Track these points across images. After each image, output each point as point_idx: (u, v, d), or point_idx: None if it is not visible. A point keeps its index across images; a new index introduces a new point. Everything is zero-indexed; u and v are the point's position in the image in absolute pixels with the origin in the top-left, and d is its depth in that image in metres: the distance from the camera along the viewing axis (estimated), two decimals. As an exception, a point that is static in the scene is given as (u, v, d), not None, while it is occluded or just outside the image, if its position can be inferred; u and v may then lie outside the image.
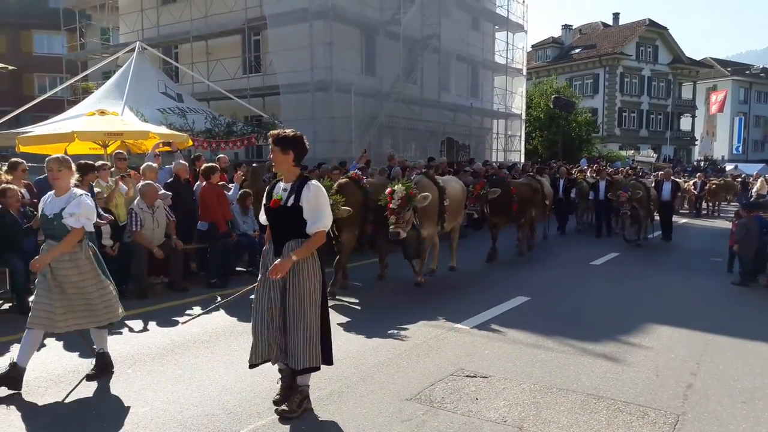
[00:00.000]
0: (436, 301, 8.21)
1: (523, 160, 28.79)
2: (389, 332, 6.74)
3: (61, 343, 6.23)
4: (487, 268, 10.97)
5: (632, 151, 42.38)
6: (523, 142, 31.76)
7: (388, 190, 8.21)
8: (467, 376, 5.30)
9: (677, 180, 17.76)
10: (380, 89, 21.47)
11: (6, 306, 7.68)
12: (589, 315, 7.64)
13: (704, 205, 24.57)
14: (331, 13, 19.47)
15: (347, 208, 7.61)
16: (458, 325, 6.93)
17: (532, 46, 50.67)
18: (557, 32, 56.68)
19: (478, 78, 28.66)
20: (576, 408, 4.65)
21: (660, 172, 21.78)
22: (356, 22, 21.12)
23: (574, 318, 7.45)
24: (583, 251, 12.96)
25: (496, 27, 30.00)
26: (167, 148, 11.85)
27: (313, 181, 4.43)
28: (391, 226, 8.01)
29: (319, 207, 4.30)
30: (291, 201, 4.32)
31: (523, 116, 31.72)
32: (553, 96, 32.83)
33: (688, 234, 17.15)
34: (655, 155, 42.22)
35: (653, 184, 15.58)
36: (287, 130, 4.57)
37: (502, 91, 29.56)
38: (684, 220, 21.12)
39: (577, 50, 51.31)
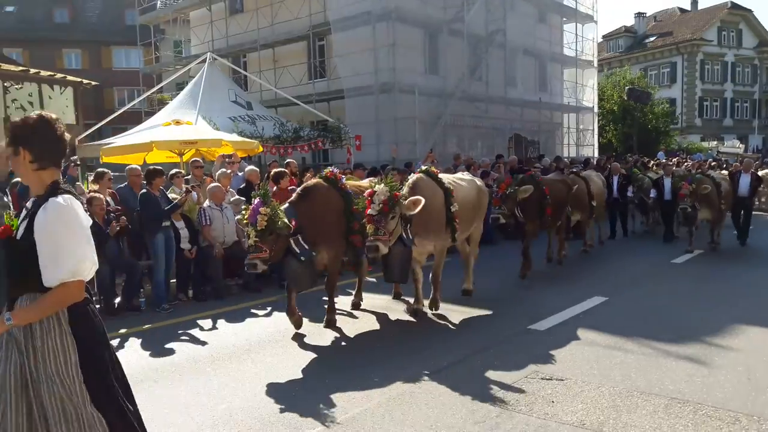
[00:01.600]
0: (508, 302, 8.03)
1: (596, 155, 27.87)
2: (461, 332, 6.66)
3: (140, 341, 6.48)
4: (561, 267, 10.65)
5: (715, 142, 40.24)
6: (596, 136, 30.73)
7: (368, 191, 6.54)
8: (542, 378, 5.14)
9: (757, 173, 14.91)
10: (444, 88, 21.29)
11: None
12: (671, 315, 7.25)
13: None
14: (393, 15, 19.47)
15: (286, 221, 6.16)
16: (532, 327, 6.74)
17: (603, 37, 49.04)
18: (630, 21, 54.71)
19: (546, 72, 27.94)
20: (659, 412, 4.41)
21: (735, 162, 20.37)
22: (419, 22, 21.03)
23: (655, 318, 7.10)
24: (663, 249, 12.36)
25: (564, 19, 29.16)
26: (240, 154, 12.19)
27: (60, 198, 2.63)
28: (369, 239, 6.33)
29: (58, 243, 2.57)
30: (21, 230, 2.68)
31: (596, 109, 30.70)
32: (626, 87, 31.65)
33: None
34: (742, 146, 39.91)
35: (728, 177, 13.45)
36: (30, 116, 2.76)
37: (572, 84, 28.70)
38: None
39: (651, 38, 49.23)
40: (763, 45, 48.85)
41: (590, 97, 30.05)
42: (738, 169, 13.83)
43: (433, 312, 7.39)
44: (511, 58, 23.99)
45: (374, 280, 8.69)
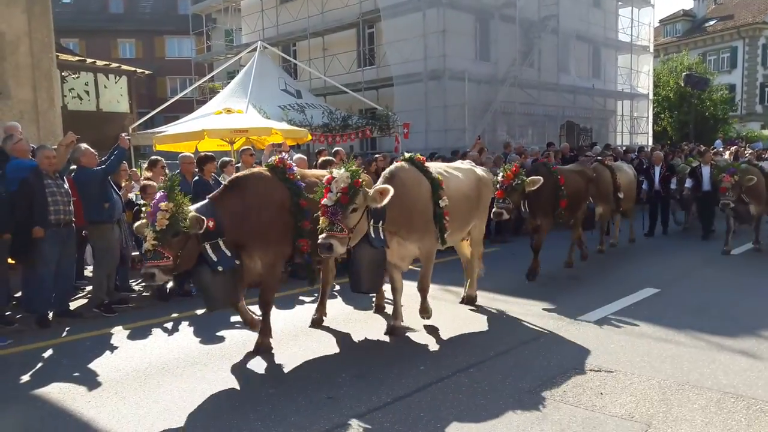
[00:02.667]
0: (557, 293, 7.96)
1: (651, 143, 27.10)
2: (508, 322, 6.65)
3: (193, 328, 6.70)
4: (611, 258, 10.48)
5: (777, 130, 38.60)
6: (650, 124, 29.86)
7: (327, 177, 5.32)
8: (591, 370, 5.10)
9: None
10: (495, 75, 21.04)
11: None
12: (725, 308, 7.07)
13: None
14: (444, 1, 19.33)
15: (195, 215, 5.00)
16: (582, 318, 6.67)
17: (660, 21, 47.41)
18: (688, 4, 52.73)
19: (600, 57, 27.24)
20: (711, 407, 4.34)
21: (750, 151, 19.02)
22: (470, 7, 20.81)
23: (708, 311, 6.93)
24: (720, 240, 12.01)
25: (620, 3, 28.34)
26: (289, 142, 12.35)
27: None
28: (322, 235, 5.13)
29: None
30: None
31: (651, 96, 29.80)
32: (684, 73, 30.58)
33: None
34: (806, 134, 38.16)
35: None
36: None
37: (627, 71, 27.91)
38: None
39: (711, 22, 47.35)
40: (831, 27, 46.36)
41: (645, 84, 29.19)
42: None
43: (424, 321, 6.48)
44: (564, 43, 23.49)
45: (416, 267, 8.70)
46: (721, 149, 21.78)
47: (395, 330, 6.17)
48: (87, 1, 40.48)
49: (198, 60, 29.68)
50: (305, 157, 10.92)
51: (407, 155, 6.39)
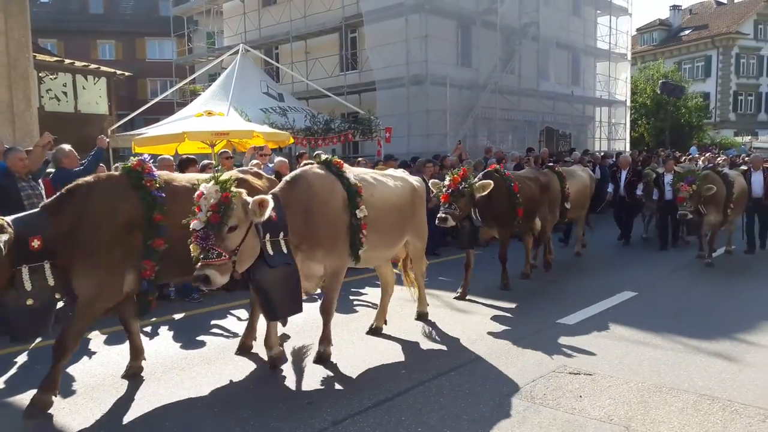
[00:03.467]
0: (537, 296, 8.03)
1: (628, 149, 27.47)
2: (489, 326, 6.68)
3: (172, 333, 6.63)
4: (591, 262, 10.59)
5: (749, 138, 39.34)
6: (628, 130, 30.30)
7: (197, 192, 4.50)
8: (570, 372, 5.15)
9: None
10: (476, 80, 21.18)
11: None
12: (701, 311, 7.19)
13: None
14: (426, 6, 19.41)
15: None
16: (561, 321, 6.74)
17: (637, 30, 48.13)
18: (664, 13, 53.68)
19: (579, 65, 27.58)
20: (688, 408, 4.41)
21: (742, 154, 19.15)
22: (452, 13, 20.93)
23: (685, 314, 7.04)
24: (696, 245, 12.21)
25: (598, 11, 28.74)
26: (270, 146, 12.31)
27: None
28: (197, 265, 4.38)
29: None
30: None
31: (628, 103, 30.27)
32: (660, 81, 31.08)
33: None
34: (776, 141, 38.96)
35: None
36: None
37: (605, 78, 28.32)
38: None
39: (686, 31, 48.20)
40: (802, 38, 47.45)
41: (623, 91, 29.65)
42: (749, 167, 11.72)
43: (315, 360, 5.46)
44: (544, 50, 23.74)
45: (399, 271, 8.69)
46: (696, 155, 22.16)
47: (276, 360, 5.34)
48: (66, 2, 39.97)
49: (179, 62, 29.44)
50: (287, 161, 10.89)
51: (323, 157, 5.65)
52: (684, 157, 20.40)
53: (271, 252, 4.73)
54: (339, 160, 5.69)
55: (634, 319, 6.72)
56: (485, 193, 7.24)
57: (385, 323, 6.48)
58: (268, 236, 4.72)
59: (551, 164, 10.33)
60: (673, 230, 11.83)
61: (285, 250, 4.82)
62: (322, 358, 5.40)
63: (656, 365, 5.31)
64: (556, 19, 24.22)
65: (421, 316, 6.95)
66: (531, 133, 23.57)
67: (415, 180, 6.79)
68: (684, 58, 46.68)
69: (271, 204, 4.51)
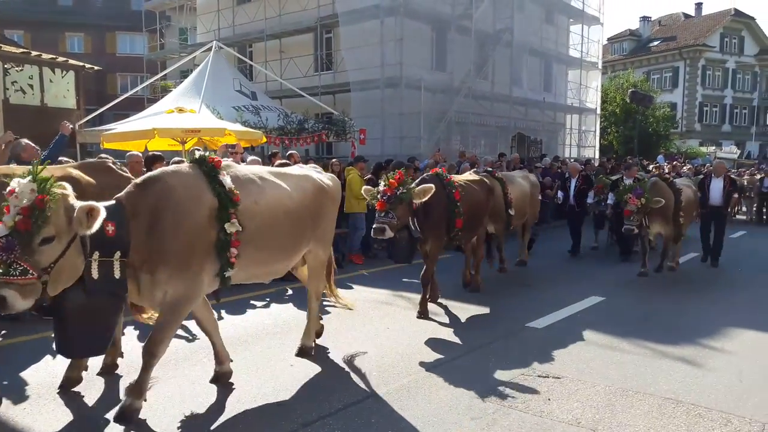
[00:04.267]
0: (507, 299, 8.10)
1: (597, 156, 27.94)
2: (459, 329, 6.71)
3: (138, 333, 6.52)
4: (560, 267, 10.73)
5: (713, 148, 40.36)
6: (597, 138, 30.80)
7: (10, 188, 3.60)
8: (539, 376, 5.21)
9: (734, 176, 13.05)
10: (450, 85, 21.31)
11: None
12: (666, 317, 7.34)
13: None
14: (402, 9, 19.47)
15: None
16: (530, 324, 6.81)
17: (608, 39, 48.99)
18: (634, 24, 54.75)
19: (552, 72, 27.96)
20: (653, 412, 4.49)
21: (706, 164, 19.67)
22: (427, 17, 21.03)
23: (651, 320, 7.19)
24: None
25: (571, 20, 29.18)
26: (243, 144, 12.20)
27: None
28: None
29: None
30: None
31: (598, 111, 30.76)
32: (629, 90, 31.68)
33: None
34: (738, 151, 40.05)
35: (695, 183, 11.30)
36: None
37: (576, 86, 28.76)
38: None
39: (655, 42, 49.27)
40: (764, 53, 48.89)
41: (593, 99, 30.13)
42: (709, 174, 11.33)
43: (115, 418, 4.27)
44: (517, 57, 23.99)
45: (366, 273, 8.72)
46: (663, 164, 22.62)
47: (126, 413, 4.21)
48: (34, -8, 39.06)
49: (150, 57, 29.00)
50: (260, 159, 10.80)
51: (197, 154, 4.62)
52: (651, 166, 20.81)
53: (95, 275, 3.79)
54: (217, 158, 4.64)
55: (601, 324, 6.82)
56: (425, 198, 6.57)
57: (311, 347, 5.73)
58: (96, 254, 3.79)
59: (490, 169, 9.46)
60: (624, 241, 11.22)
61: (117, 275, 3.89)
62: (124, 416, 4.17)
63: (623, 369, 5.40)
64: (530, 27, 24.51)
65: (303, 352, 5.60)
66: (503, 139, 23.81)
67: (326, 178, 5.82)
68: (653, 68, 47.70)
69: (103, 213, 3.65)
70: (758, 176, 20.10)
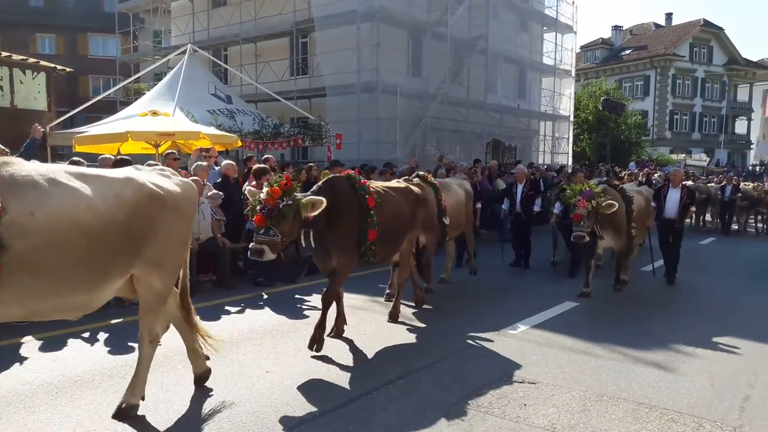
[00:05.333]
0: (482, 305, 8.14)
1: (570, 163, 28.29)
2: (435, 335, 6.72)
3: (106, 337, 6.41)
4: (534, 273, 10.81)
5: (683, 155, 41.18)
6: (570, 145, 31.23)
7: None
8: (515, 381, 5.23)
9: (691, 185, 12.18)
10: (426, 91, 21.42)
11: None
12: (640, 322, 7.45)
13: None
14: (378, 15, 19.53)
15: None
16: (505, 330, 6.85)
17: (581, 47, 49.77)
18: (607, 33, 55.67)
19: (526, 79, 28.31)
20: (627, 417, 4.54)
21: (659, 173, 18.95)
22: (403, 23, 21.13)
23: (624, 325, 7.29)
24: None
25: (545, 28, 29.61)
26: (217, 148, 12.10)
27: None
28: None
29: None
30: None
31: (571, 118, 31.21)
32: (602, 98, 32.17)
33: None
34: (708, 159, 40.93)
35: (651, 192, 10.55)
36: None
37: (550, 93, 29.15)
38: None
39: (627, 51, 50.18)
40: (732, 62, 50.17)
41: (567, 106, 30.56)
42: (664, 183, 10.42)
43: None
44: (492, 64, 24.23)
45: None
46: (635, 171, 22.93)
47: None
48: (5, -8, 38.28)
49: (123, 60, 28.65)
50: (234, 163, 10.72)
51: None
52: (624, 173, 21.09)
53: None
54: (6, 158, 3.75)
55: (575, 329, 6.89)
56: (316, 212, 5.46)
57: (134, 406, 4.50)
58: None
59: (422, 173, 8.50)
60: (573, 255, 10.26)
61: None
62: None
63: (597, 374, 5.46)
64: (505, 34, 24.78)
65: (122, 414, 4.35)
66: (478, 145, 24.00)
67: (169, 183, 4.47)
68: (624, 76, 48.56)
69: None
70: (716, 185, 19.68)
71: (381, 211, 6.27)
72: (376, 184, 6.86)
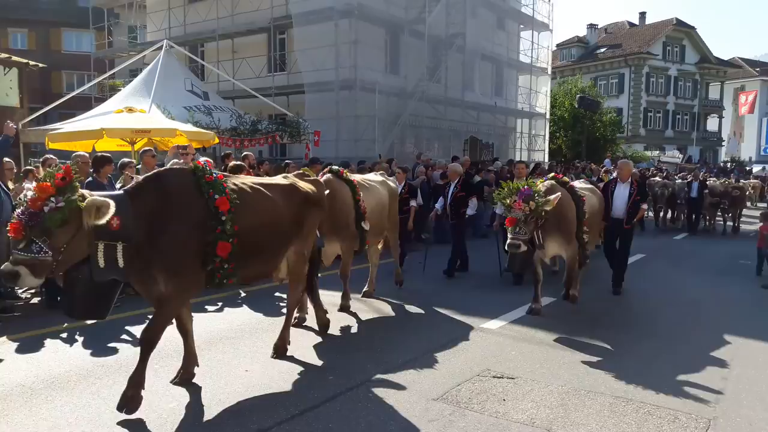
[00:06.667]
0: (460, 301, 8.16)
1: (547, 160, 28.57)
2: (414, 332, 6.75)
3: (83, 338, 6.33)
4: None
5: (657, 152, 41.83)
6: (547, 142, 31.54)
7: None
8: (494, 376, 5.28)
9: (644, 179, 10.44)
10: (404, 88, 21.44)
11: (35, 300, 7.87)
12: (616, 317, 7.56)
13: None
14: (356, 12, 19.49)
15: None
16: (484, 326, 6.90)
17: (557, 46, 50.21)
18: (582, 31, 56.06)
19: (503, 77, 28.49)
20: (605, 411, 4.61)
21: (651, 168, 18.53)
22: (381, 20, 21.12)
23: (601, 319, 7.38)
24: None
25: (522, 26, 29.82)
26: (194, 145, 11.97)
27: None
28: None
29: None
30: None
31: (548, 115, 31.52)
32: (577, 95, 32.50)
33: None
34: (681, 156, 41.62)
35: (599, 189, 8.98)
36: None
37: (527, 90, 29.39)
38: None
39: (602, 49, 50.75)
40: (703, 61, 51.06)
41: (543, 104, 30.84)
42: (614, 179, 9.01)
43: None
44: (470, 62, 24.34)
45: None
46: (611, 168, 23.17)
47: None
48: (-26, -14, 37.39)
49: (98, 56, 28.14)
50: (211, 161, 10.61)
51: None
52: (601, 169, 21.29)
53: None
54: None
55: (552, 325, 6.95)
56: (103, 221, 3.96)
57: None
58: None
59: (336, 168, 7.39)
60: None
61: None
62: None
63: (575, 369, 5.53)
64: (482, 32, 24.90)
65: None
66: (456, 142, 24.10)
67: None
68: (600, 74, 49.11)
69: None
70: (682, 181, 18.07)
71: (241, 217, 4.76)
72: (245, 180, 5.34)
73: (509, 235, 6.64)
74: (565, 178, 7.91)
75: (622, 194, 8.59)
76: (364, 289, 8.29)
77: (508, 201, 6.70)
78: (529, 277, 8.06)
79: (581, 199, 7.64)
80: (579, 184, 8.58)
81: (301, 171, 6.51)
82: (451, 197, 9.72)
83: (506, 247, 6.84)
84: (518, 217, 6.57)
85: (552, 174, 8.00)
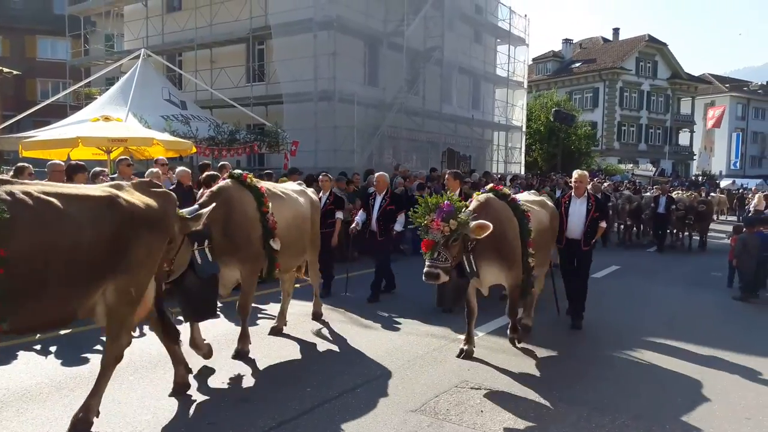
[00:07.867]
0: (438, 313, 8.18)
1: (523, 172, 28.86)
2: (393, 343, 6.74)
3: (56, 349, 6.22)
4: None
5: (631, 165, 42.52)
6: (523, 154, 31.88)
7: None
8: (472, 388, 5.30)
9: (601, 196, 9.90)
10: (383, 100, 21.55)
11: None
12: (592, 329, 7.62)
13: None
14: (335, 24, 19.56)
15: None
16: (461, 336, 6.91)
17: (533, 60, 50.90)
18: (558, 46, 57.10)
19: (480, 90, 28.79)
20: (581, 422, 4.65)
21: (625, 181, 17.96)
22: (360, 33, 21.22)
23: (577, 331, 7.45)
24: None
25: (498, 40, 30.19)
26: (172, 154, 11.89)
27: None
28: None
29: None
30: None
31: (524, 128, 31.86)
32: (553, 109, 32.94)
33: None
34: (654, 169, 42.38)
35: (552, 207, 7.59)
36: None
37: (503, 104, 29.71)
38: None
39: (577, 64, 51.59)
40: (675, 77, 52.25)
41: (519, 117, 31.19)
42: (566, 194, 7.86)
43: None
44: (447, 74, 24.54)
45: (298, 285, 8.56)
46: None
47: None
48: (-54, -9, 36.76)
49: (74, 63, 27.80)
50: (188, 170, 10.55)
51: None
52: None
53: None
54: None
55: (530, 336, 7.00)
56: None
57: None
58: None
59: (238, 172, 6.38)
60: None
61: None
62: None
63: (552, 380, 5.58)
64: (459, 45, 25.15)
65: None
66: (434, 154, 24.26)
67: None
68: (575, 88, 49.89)
69: None
70: (649, 195, 17.49)
71: (13, 237, 3.46)
72: (34, 188, 3.79)
73: (426, 263, 5.50)
74: (506, 190, 6.59)
75: (578, 211, 7.40)
76: (272, 325, 7.05)
77: (425, 221, 5.52)
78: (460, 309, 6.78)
79: (525, 215, 6.37)
80: (525, 196, 7.43)
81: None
82: (379, 211, 8.64)
83: (423, 277, 5.52)
84: (436, 240, 5.45)
85: (490, 185, 6.88)
